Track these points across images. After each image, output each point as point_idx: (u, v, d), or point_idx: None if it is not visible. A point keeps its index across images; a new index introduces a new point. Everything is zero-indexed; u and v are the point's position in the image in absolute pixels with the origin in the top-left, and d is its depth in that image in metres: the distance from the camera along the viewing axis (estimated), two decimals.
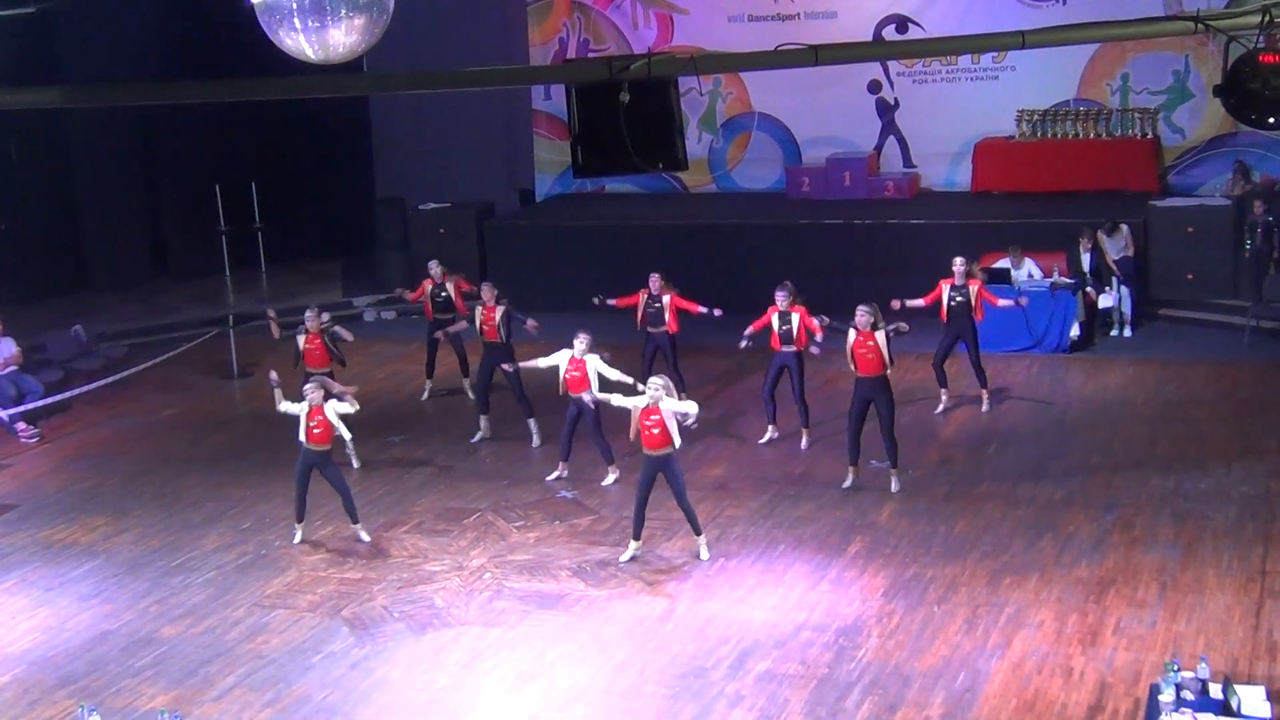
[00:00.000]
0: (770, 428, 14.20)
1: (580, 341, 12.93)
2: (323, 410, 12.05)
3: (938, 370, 14.86)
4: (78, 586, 11.70)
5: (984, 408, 14.90)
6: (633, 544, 11.62)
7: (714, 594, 10.93)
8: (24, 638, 10.82)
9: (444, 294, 15.84)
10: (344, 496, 12.26)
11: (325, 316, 14.52)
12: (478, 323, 14.61)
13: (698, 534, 11.60)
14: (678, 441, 11.30)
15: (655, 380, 11.43)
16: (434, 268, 15.97)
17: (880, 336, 12.53)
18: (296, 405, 12.17)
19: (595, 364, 12.89)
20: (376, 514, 12.88)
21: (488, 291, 14.74)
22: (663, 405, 11.21)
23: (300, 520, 12.35)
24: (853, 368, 12.74)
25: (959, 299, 14.48)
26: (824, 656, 9.86)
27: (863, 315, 12.61)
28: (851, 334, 12.65)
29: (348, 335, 14.54)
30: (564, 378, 12.94)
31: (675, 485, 11.40)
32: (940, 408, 14.87)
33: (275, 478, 13.80)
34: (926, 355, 15.00)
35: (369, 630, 10.62)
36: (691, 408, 11.46)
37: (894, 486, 12.76)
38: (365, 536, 12.29)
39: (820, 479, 13.14)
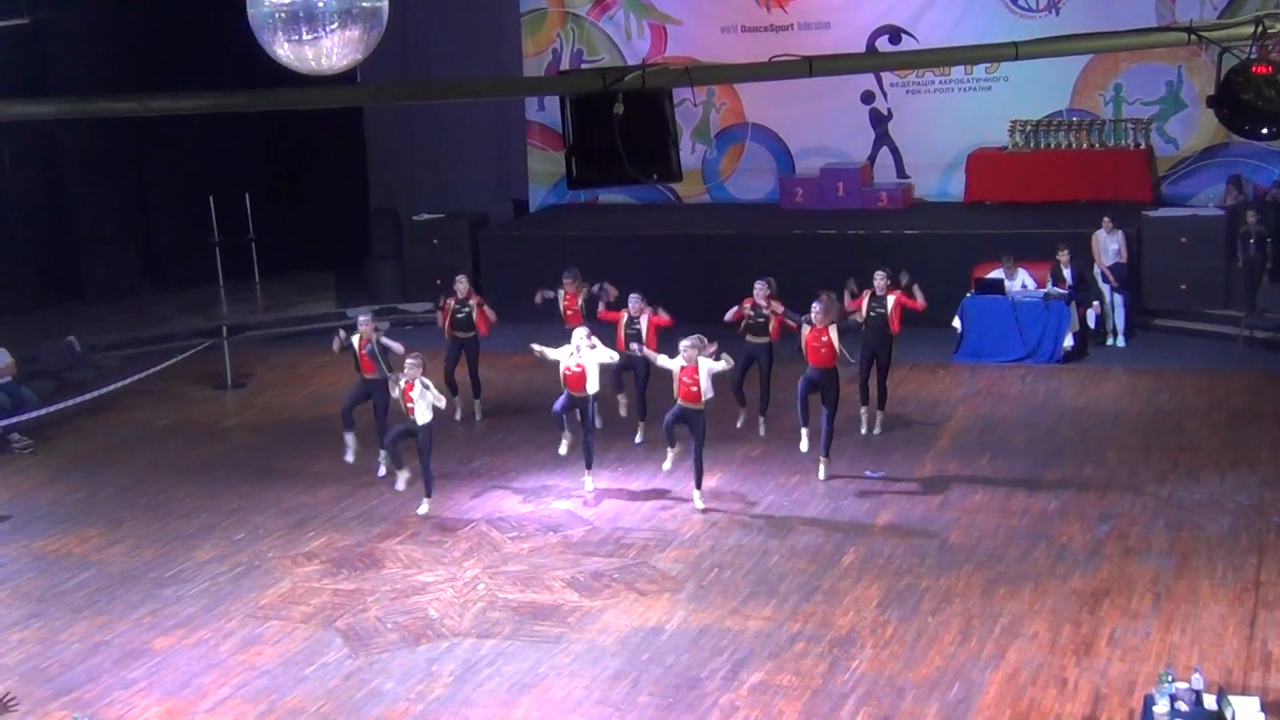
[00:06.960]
0: (742, 412, 14.46)
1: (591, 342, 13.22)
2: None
3: (862, 389, 14.47)
4: (70, 597, 11.67)
5: (875, 430, 14.52)
6: (670, 452, 13.04)
7: (708, 605, 10.92)
8: (17, 649, 10.78)
9: (466, 309, 15.61)
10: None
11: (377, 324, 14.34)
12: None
13: (698, 486, 12.80)
14: (708, 396, 12.50)
15: (685, 341, 12.51)
16: (461, 284, 15.63)
17: (833, 332, 13.01)
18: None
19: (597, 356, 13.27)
20: (370, 524, 12.87)
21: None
22: (700, 363, 12.39)
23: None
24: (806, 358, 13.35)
25: (878, 311, 14.21)
26: (818, 667, 9.85)
27: (817, 311, 13.11)
28: (805, 328, 13.16)
29: (396, 346, 13.94)
30: (567, 373, 13.11)
31: (697, 437, 12.65)
32: (864, 428, 14.58)
33: (268, 488, 13.81)
34: (921, 365, 14.97)
35: (363, 641, 10.60)
36: (723, 365, 12.63)
37: (821, 474, 13.19)
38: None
39: (814, 489, 13.14)
